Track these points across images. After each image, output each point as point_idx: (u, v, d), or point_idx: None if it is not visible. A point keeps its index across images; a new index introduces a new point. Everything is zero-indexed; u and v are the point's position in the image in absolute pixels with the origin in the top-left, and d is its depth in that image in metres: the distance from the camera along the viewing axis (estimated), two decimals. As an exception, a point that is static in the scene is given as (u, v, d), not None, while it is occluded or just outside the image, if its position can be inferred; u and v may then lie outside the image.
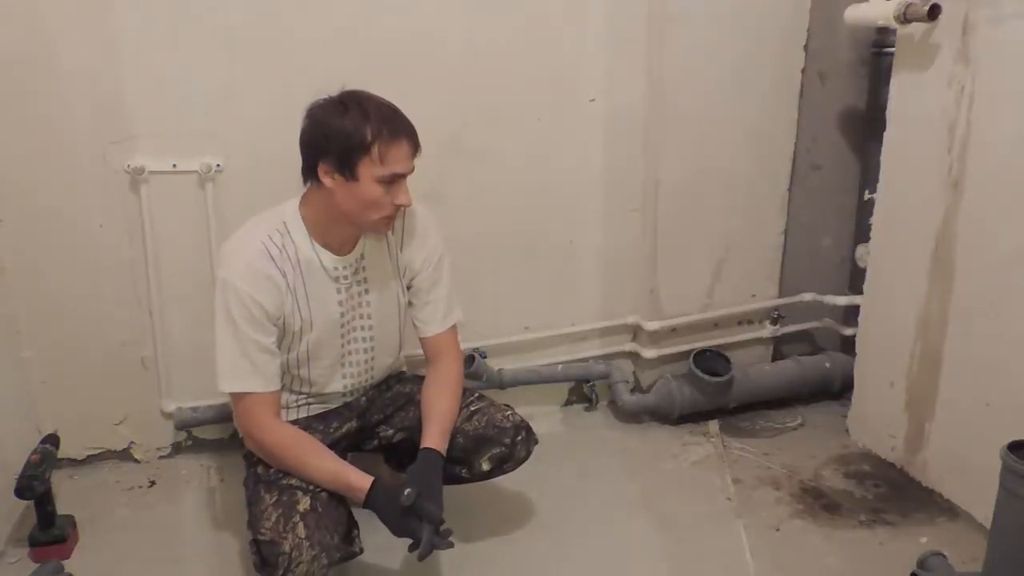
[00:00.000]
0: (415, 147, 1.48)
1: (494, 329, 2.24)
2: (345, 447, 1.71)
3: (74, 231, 1.89)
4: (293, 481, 1.47)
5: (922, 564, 1.55)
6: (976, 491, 1.73)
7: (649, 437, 2.24)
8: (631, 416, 2.31)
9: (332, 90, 1.49)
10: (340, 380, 1.66)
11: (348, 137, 1.42)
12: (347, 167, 1.43)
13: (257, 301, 1.46)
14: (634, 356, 2.38)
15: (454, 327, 1.73)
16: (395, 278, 1.66)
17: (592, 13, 2.06)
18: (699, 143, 2.17)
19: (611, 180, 2.21)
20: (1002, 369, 1.71)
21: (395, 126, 1.44)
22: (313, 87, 1.93)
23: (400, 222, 1.63)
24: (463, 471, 1.67)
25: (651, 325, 2.27)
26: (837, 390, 2.37)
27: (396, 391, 1.78)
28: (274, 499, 1.44)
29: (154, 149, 1.87)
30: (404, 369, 1.89)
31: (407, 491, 1.41)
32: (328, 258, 1.55)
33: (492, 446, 1.65)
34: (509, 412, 1.70)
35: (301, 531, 1.38)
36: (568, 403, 2.41)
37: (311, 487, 1.47)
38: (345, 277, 1.58)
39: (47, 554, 1.67)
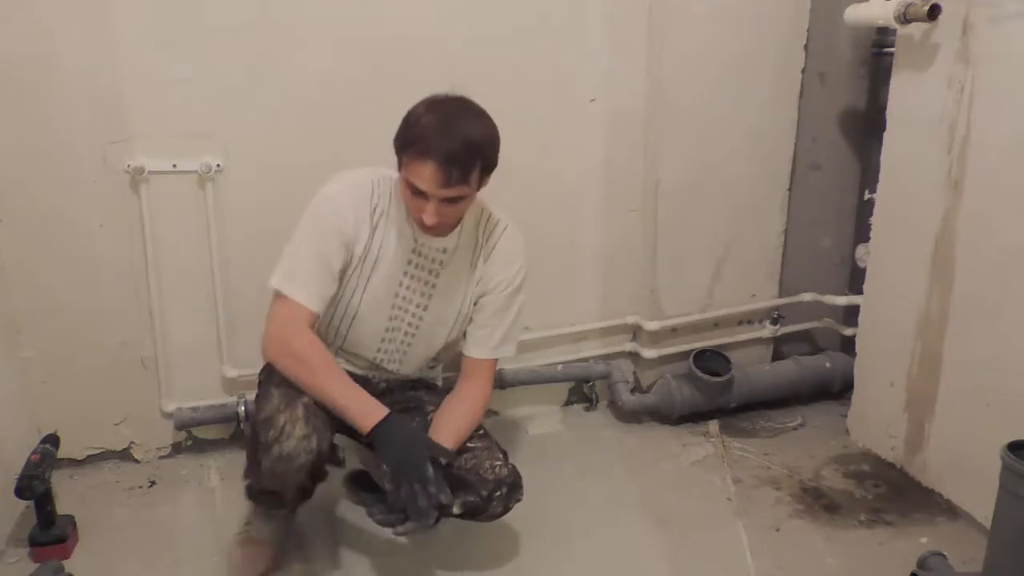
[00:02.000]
0: (446, 175, 1.41)
1: (494, 329, 2.24)
2: (340, 423, 1.53)
3: (74, 231, 1.89)
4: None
5: (922, 564, 1.55)
6: (976, 491, 1.73)
7: (649, 437, 2.24)
8: (631, 416, 2.31)
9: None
10: (373, 351, 1.65)
11: (399, 135, 1.47)
12: (402, 159, 1.47)
13: (344, 216, 1.51)
14: (634, 356, 2.38)
15: (496, 360, 1.70)
16: (468, 286, 1.64)
17: (592, 13, 2.06)
18: (699, 143, 2.17)
19: (611, 180, 2.22)
20: (1002, 369, 1.71)
21: (428, 145, 1.41)
22: (313, 87, 1.94)
23: (493, 235, 1.66)
24: None
25: (651, 325, 2.27)
26: (837, 390, 2.37)
27: (413, 395, 1.75)
28: (280, 391, 1.46)
29: (154, 149, 1.87)
30: (438, 382, 1.86)
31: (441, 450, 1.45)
32: (408, 231, 1.57)
33: (468, 493, 1.54)
34: (499, 463, 1.59)
35: (300, 411, 1.43)
36: (568, 403, 2.41)
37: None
38: (420, 257, 1.59)
39: (47, 554, 1.67)
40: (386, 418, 1.42)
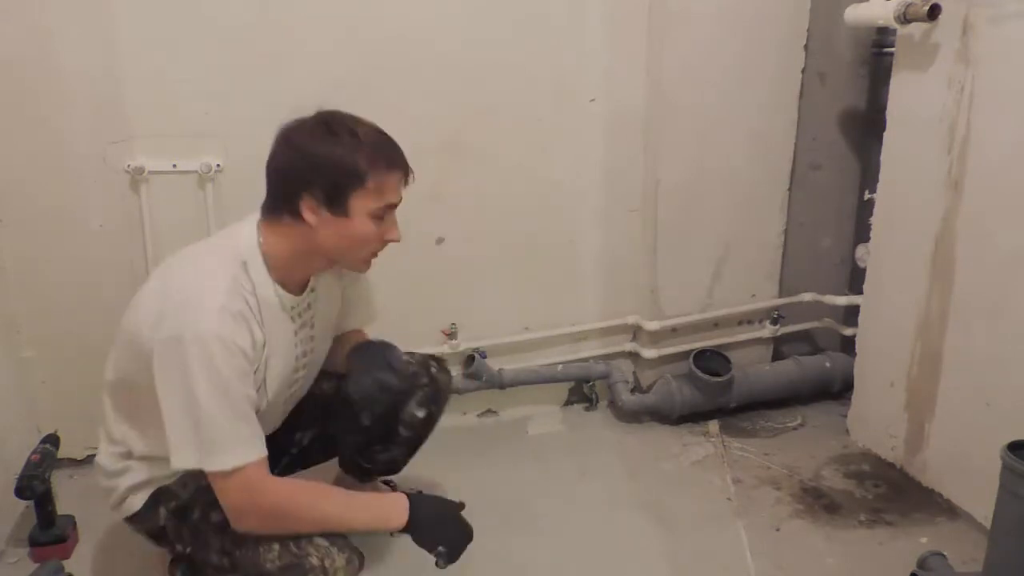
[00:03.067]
0: (408, 174, 1.34)
1: (494, 329, 2.24)
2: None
3: (74, 231, 1.89)
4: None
5: (922, 564, 1.56)
6: (976, 491, 1.73)
7: (649, 437, 2.24)
8: (631, 416, 2.31)
9: (308, 108, 1.33)
10: (282, 414, 1.49)
11: (341, 167, 1.25)
12: (337, 201, 1.26)
13: (241, 348, 1.21)
14: (634, 356, 2.38)
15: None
16: (335, 299, 1.53)
17: (592, 13, 2.06)
18: (699, 143, 2.17)
19: (611, 180, 2.22)
20: (1002, 369, 1.71)
21: (391, 153, 1.31)
22: (313, 87, 1.94)
23: None
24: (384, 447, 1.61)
25: (651, 325, 2.27)
26: (837, 390, 2.37)
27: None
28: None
29: (154, 149, 1.88)
30: None
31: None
32: (287, 299, 1.35)
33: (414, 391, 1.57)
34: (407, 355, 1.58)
35: (322, 540, 1.26)
36: (568, 403, 2.41)
37: None
38: (300, 316, 1.40)
39: (47, 554, 1.67)
40: (410, 508, 1.30)
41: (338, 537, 1.28)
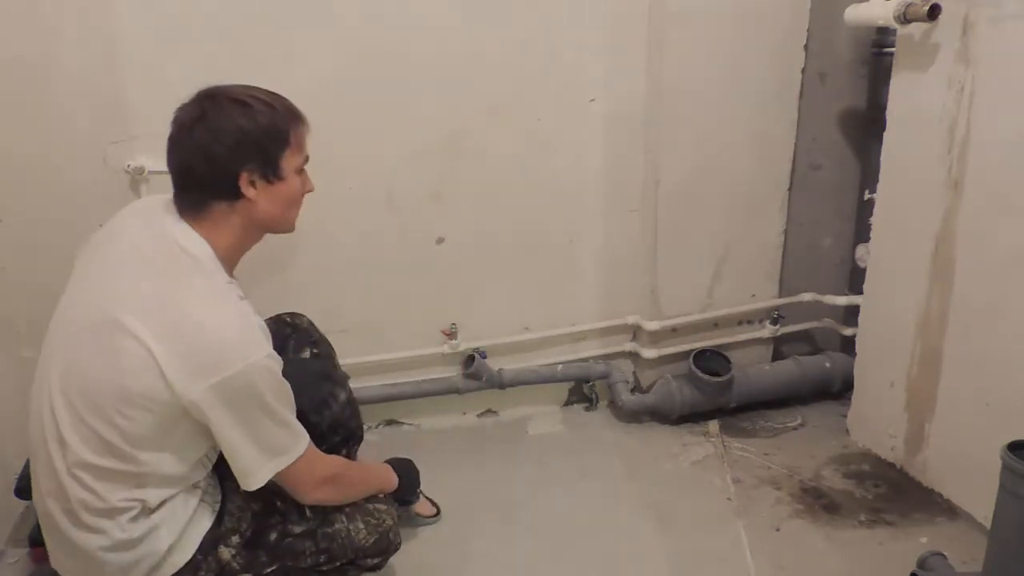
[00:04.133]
0: (308, 126, 1.37)
1: (494, 329, 2.24)
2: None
3: (74, 231, 1.87)
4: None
5: (922, 564, 1.56)
6: (976, 491, 1.73)
7: (649, 437, 2.24)
8: (631, 416, 2.31)
9: (309, 107, 1.38)
10: None
11: (269, 134, 1.27)
12: (272, 167, 1.28)
13: (277, 354, 1.26)
14: (634, 356, 2.38)
15: None
16: None
17: (592, 13, 2.06)
18: (699, 143, 2.17)
19: (611, 180, 2.22)
20: (1002, 369, 1.71)
21: (295, 107, 1.33)
22: (313, 87, 1.94)
23: None
24: None
25: (651, 325, 2.27)
26: (837, 390, 2.37)
27: None
28: (339, 518, 1.41)
29: (154, 149, 1.85)
30: None
31: None
32: (236, 284, 1.32)
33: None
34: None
35: (379, 504, 1.47)
36: (568, 403, 2.41)
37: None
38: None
39: (47, 554, 1.67)
40: (395, 470, 1.64)
41: (379, 500, 1.48)
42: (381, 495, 1.52)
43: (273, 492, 1.33)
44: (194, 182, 1.26)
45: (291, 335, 1.68)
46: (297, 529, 1.37)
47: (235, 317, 1.21)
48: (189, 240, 1.25)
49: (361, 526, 1.42)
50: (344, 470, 1.43)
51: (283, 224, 1.37)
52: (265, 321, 1.65)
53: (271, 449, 1.25)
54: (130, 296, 1.20)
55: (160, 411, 1.18)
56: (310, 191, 1.39)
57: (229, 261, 1.31)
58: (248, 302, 1.28)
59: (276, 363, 1.23)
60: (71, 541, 1.26)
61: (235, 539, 1.33)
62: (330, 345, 1.73)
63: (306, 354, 1.67)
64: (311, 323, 1.72)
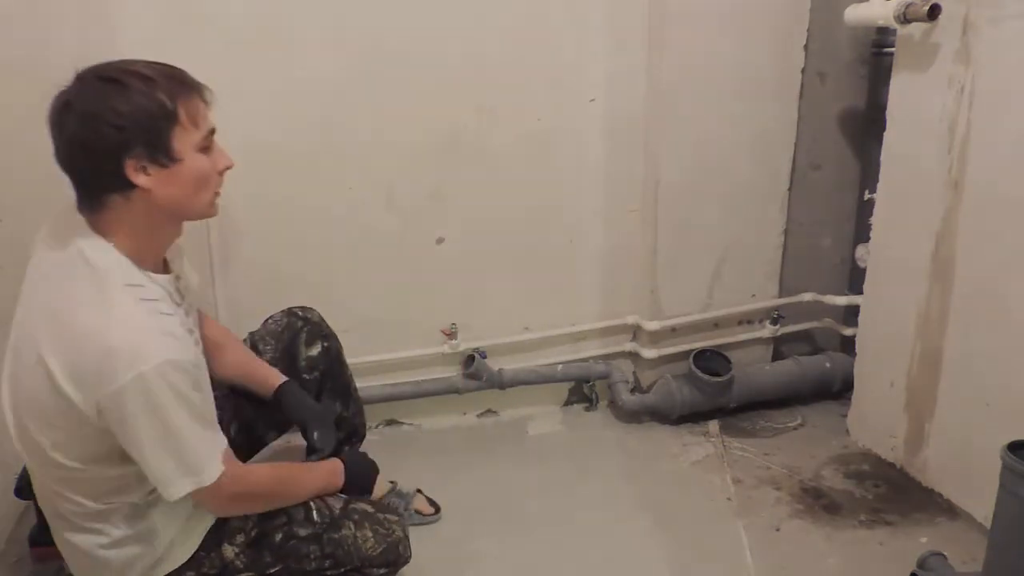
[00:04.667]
0: (205, 90, 1.22)
1: (494, 329, 2.24)
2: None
3: (74, 231, 1.88)
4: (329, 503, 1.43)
5: (922, 564, 1.55)
6: (976, 491, 1.73)
7: (649, 437, 2.24)
8: (631, 416, 2.31)
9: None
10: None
11: (149, 113, 1.12)
12: (162, 150, 1.14)
13: (187, 361, 1.15)
14: (634, 356, 2.38)
15: None
16: (194, 284, 1.43)
17: (592, 13, 2.06)
18: (699, 143, 2.17)
19: (611, 180, 2.22)
20: (1002, 369, 1.71)
21: (180, 75, 1.18)
22: (313, 87, 1.95)
23: None
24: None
25: (651, 325, 2.27)
26: (837, 390, 2.36)
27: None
28: (347, 524, 1.40)
29: (154, 149, 1.87)
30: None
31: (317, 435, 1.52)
32: (165, 281, 1.23)
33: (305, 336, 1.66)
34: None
35: (389, 515, 1.45)
36: (568, 403, 2.41)
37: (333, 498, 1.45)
38: (182, 298, 1.29)
39: (47, 554, 1.66)
40: (344, 465, 1.51)
41: (390, 510, 1.49)
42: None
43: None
44: (81, 178, 1.16)
45: (303, 328, 1.68)
46: (303, 532, 1.37)
47: (124, 324, 1.10)
48: (88, 244, 1.16)
49: (369, 534, 1.40)
50: (271, 487, 1.36)
51: (195, 209, 1.23)
52: (277, 313, 1.69)
53: (183, 464, 1.16)
54: (37, 312, 1.17)
55: (75, 425, 1.13)
56: (227, 168, 1.25)
57: (148, 256, 1.21)
58: (167, 302, 1.19)
59: (175, 369, 1.11)
60: (70, 543, 1.27)
61: (240, 538, 1.33)
62: (339, 340, 1.73)
63: (316, 348, 1.68)
64: (321, 318, 1.72)
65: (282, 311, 1.71)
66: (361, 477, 1.54)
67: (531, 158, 2.13)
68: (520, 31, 2.03)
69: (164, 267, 1.27)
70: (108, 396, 1.09)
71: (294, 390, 1.57)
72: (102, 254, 1.15)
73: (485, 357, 2.21)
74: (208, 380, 1.28)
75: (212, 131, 1.22)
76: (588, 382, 2.36)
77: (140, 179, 1.14)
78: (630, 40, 2.10)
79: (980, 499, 1.68)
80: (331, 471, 1.49)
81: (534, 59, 2.06)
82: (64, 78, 1.16)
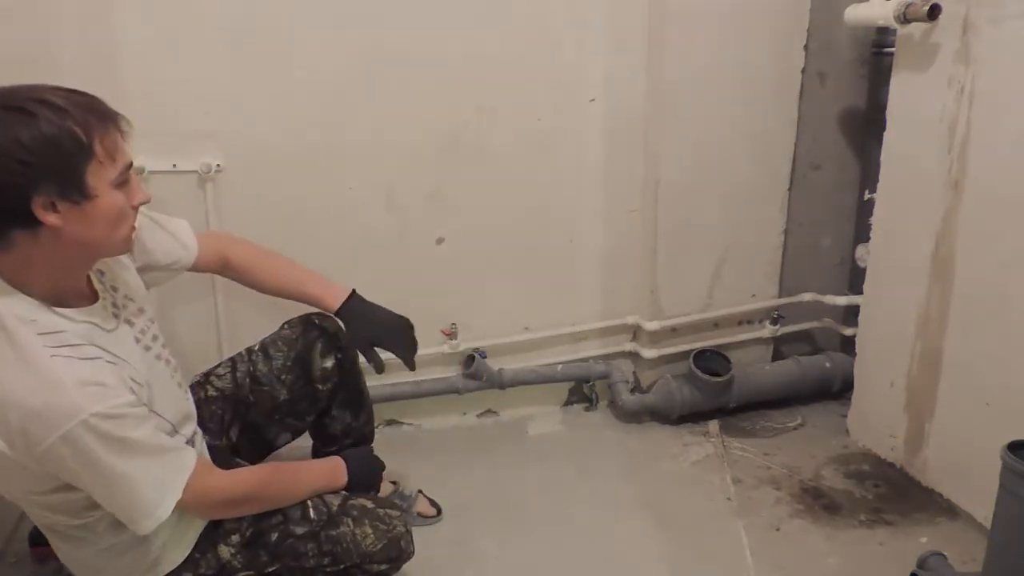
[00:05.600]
0: (121, 121, 1.13)
1: (494, 329, 2.24)
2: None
3: (74, 231, 1.88)
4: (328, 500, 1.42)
5: (922, 564, 1.56)
6: (976, 491, 1.73)
7: (649, 437, 2.24)
8: (631, 416, 2.31)
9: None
10: (185, 397, 1.38)
11: (61, 148, 1.03)
12: (75, 187, 1.05)
13: (120, 404, 1.08)
14: (634, 356, 2.38)
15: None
16: (135, 276, 1.35)
17: (592, 13, 2.06)
18: (699, 143, 2.17)
19: (611, 180, 2.21)
20: (1002, 369, 1.71)
21: (98, 107, 1.10)
22: (313, 87, 1.94)
23: None
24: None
25: (651, 325, 2.27)
26: (837, 390, 2.37)
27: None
28: (345, 521, 1.39)
29: (154, 149, 1.87)
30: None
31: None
32: (90, 313, 1.16)
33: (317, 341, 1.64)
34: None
35: (391, 511, 1.43)
36: (568, 403, 2.41)
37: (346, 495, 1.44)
38: (119, 320, 1.22)
39: (47, 554, 1.66)
40: (347, 463, 1.49)
41: (391, 506, 1.47)
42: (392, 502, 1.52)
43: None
44: None
45: (318, 338, 1.65)
46: (299, 530, 1.36)
47: (42, 383, 1.03)
48: None
49: (369, 531, 1.39)
50: (254, 491, 1.32)
51: (109, 247, 1.16)
52: (295, 319, 1.67)
53: (137, 507, 1.13)
54: None
55: (24, 470, 1.10)
56: (142, 203, 1.16)
57: (67, 292, 1.14)
58: (92, 341, 1.11)
59: (104, 419, 1.04)
60: (64, 551, 1.28)
61: (235, 538, 1.33)
62: (355, 351, 1.69)
63: (331, 360, 1.65)
64: (340, 328, 1.66)
65: (300, 317, 1.68)
66: (365, 475, 1.52)
67: (531, 158, 2.13)
68: (520, 31, 2.03)
69: (91, 293, 1.20)
70: (41, 454, 1.05)
71: (361, 308, 1.60)
72: (11, 305, 1.07)
73: (485, 357, 2.20)
74: (169, 392, 1.28)
75: (129, 165, 1.13)
76: (588, 382, 2.36)
77: (49, 218, 1.04)
78: (630, 40, 2.10)
79: (980, 499, 1.68)
80: (333, 468, 1.48)
81: (534, 59, 2.06)
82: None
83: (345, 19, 1.91)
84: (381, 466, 1.61)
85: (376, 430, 2.26)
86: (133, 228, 1.16)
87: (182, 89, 1.86)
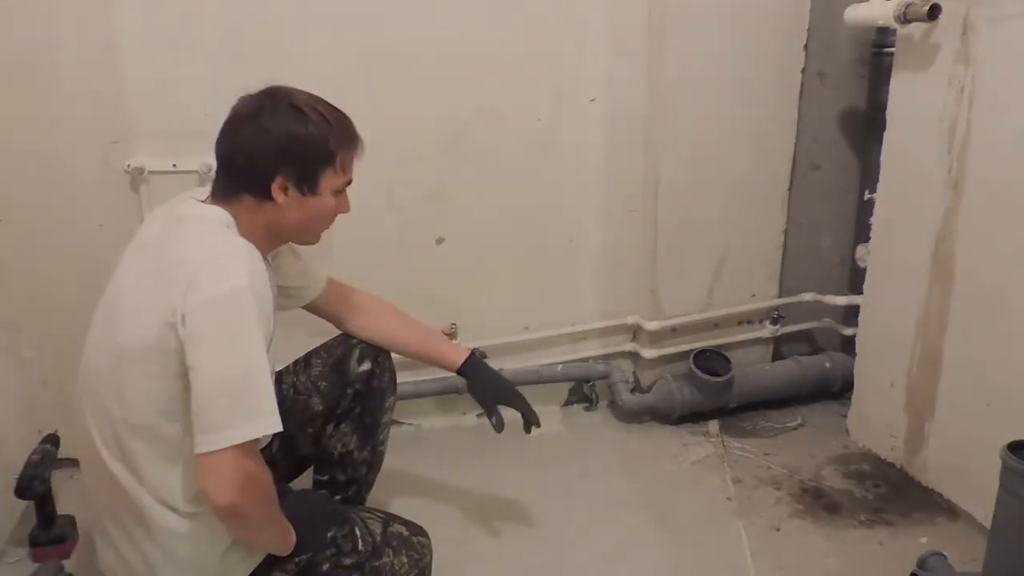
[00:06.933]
0: (363, 147, 1.37)
1: (494, 329, 2.24)
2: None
3: (74, 231, 1.88)
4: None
5: (922, 564, 1.56)
6: (976, 491, 1.73)
7: (649, 437, 2.24)
8: (631, 416, 2.31)
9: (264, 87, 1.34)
10: None
11: (315, 147, 1.26)
12: (308, 180, 1.27)
13: (269, 314, 1.19)
14: (634, 356, 2.38)
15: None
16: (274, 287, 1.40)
17: (592, 13, 2.06)
18: (699, 143, 2.17)
19: (611, 180, 2.22)
20: (1002, 369, 1.71)
21: (353, 130, 1.33)
22: (313, 87, 1.94)
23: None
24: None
25: (651, 325, 2.27)
26: (837, 390, 2.37)
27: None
28: (387, 552, 1.39)
29: (154, 149, 1.87)
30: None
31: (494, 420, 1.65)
32: (268, 274, 1.27)
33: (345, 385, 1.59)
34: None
35: (421, 539, 1.45)
36: (568, 403, 2.41)
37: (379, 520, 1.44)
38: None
39: (47, 554, 1.67)
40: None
41: (422, 534, 1.47)
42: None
43: (330, 523, 1.37)
44: (232, 168, 1.27)
45: (358, 344, 1.61)
46: (348, 561, 1.35)
47: (237, 255, 1.17)
48: (203, 209, 1.25)
49: (404, 560, 1.40)
50: (270, 499, 1.22)
51: (306, 236, 1.36)
52: (334, 338, 1.64)
53: (243, 404, 1.11)
54: (139, 261, 1.25)
55: (173, 376, 1.15)
56: (344, 212, 1.37)
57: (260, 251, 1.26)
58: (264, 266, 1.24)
59: (261, 300, 1.14)
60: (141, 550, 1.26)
61: (291, 567, 1.31)
62: (394, 382, 1.67)
63: (366, 364, 1.60)
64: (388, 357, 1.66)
65: (340, 334, 1.65)
66: (311, 539, 1.33)
67: (531, 158, 2.13)
68: (520, 31, 2.03)
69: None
70: (193, 309, 1.11)
71: (483, 368, 1.66)
72: (215, 212, 1.25)
73: (485, 357, 2.20)
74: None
75: (350, 181, 1.34)
76: (588, 382, 2.36)
77: (279, 196, 1.25)
78: (630, 40, 2.10)
79: (980, 499, 1.68)
80: (288, 535, 1.29)
81: (534, 59, 2.06)
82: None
83: (345, 19, 1.91)
84: (328, 513, 1.42)
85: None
86: (327, 228, 1.36)
87: (182, 89, 1.86)
